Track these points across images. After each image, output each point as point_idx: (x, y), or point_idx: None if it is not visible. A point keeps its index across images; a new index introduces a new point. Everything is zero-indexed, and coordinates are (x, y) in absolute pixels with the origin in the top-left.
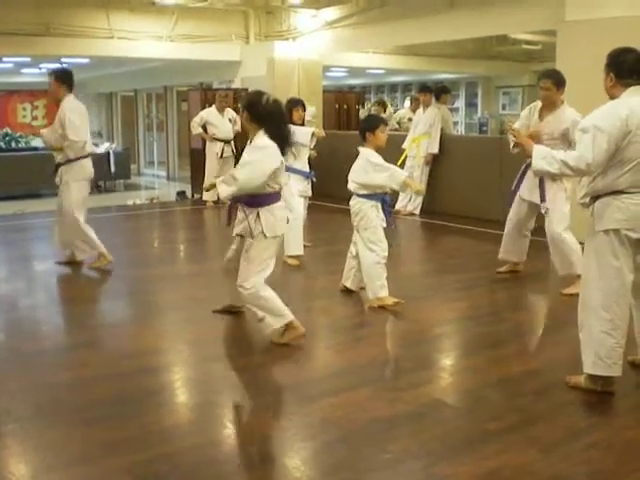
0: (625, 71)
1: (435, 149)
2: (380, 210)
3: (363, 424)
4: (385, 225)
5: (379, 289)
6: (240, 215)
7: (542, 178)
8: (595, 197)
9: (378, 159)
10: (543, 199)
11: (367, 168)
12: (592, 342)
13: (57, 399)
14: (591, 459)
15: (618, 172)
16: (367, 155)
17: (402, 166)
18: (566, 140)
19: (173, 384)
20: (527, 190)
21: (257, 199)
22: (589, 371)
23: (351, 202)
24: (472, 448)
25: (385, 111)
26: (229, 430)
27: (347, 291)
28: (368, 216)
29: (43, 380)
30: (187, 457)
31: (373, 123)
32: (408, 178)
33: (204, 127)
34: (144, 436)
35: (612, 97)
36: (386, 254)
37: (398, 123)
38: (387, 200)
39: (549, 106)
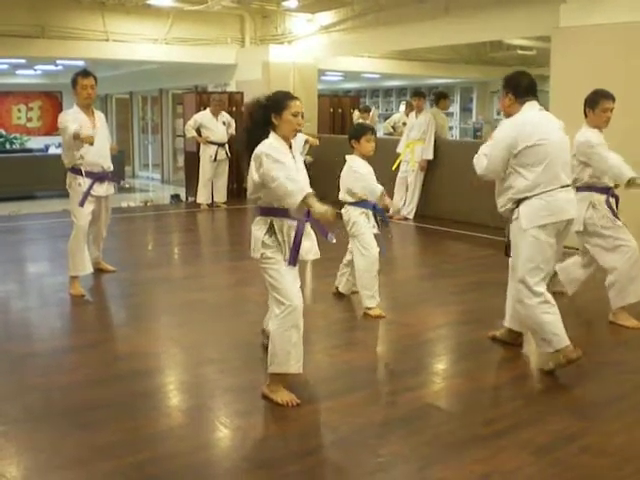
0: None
1: (429, 155)
2: (371, 217)
3: (356, 428)
4: (377, 232)
5: (367, 299)
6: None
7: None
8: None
9: (360, 168)
10: None
11: (350, 175)
12: None
13: (49, 402)
14: (583, 464)
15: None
16: (351, 162)
17: (396, 170)
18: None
19: (166, 387)
20: None
21: None
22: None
23: (342, 210)
24: (464, 452)
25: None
26: (222, 434)
27: (339, 294)
28: (359, 223)
29: (35, 383)
30: (179, 461)
31: (359, 132)
32: (384, 195)
33: (198, 130)
34: (136, 439)
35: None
36: (376, 260)
37: (393, 127)
38: (379, 208)
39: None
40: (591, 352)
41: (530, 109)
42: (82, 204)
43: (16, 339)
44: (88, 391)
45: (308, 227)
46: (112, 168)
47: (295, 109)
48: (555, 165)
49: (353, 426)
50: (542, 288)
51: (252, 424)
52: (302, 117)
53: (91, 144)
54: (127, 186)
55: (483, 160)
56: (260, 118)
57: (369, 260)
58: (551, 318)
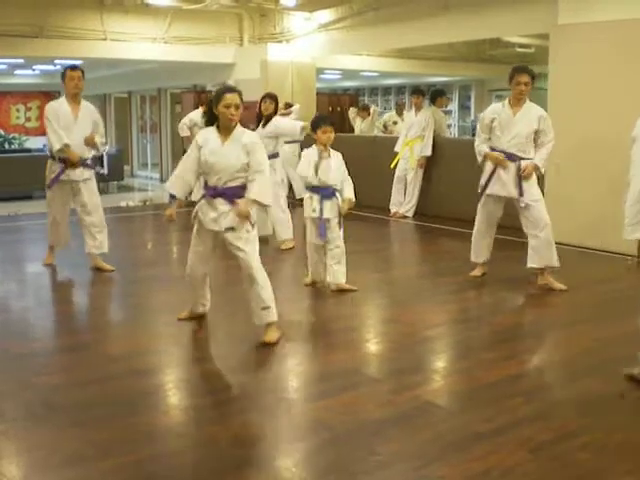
0: None
1: (428, 152)
2: (315, 202)
3: (354, 426)
4: (316, 215)
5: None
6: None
7: (519, 173)
8: None
9: (303, 165)
10: (522, 193)
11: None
12: None
13: (48, 400)
14: (582, 460)
15: None
16: (305, 153)
17: (394, 169)
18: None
19: (164, 386)
20: (501, 187)
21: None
22: None
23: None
24: (463, 450)
25: (369, 115)
26: (220, 432)
27: (337, 291)
28: (304, 208)
29: (34, 381)
30: (178, 459)
31: (315, 124)
32: (306, 199)
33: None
34: (135, 438)
35: None
36: (312, 245)
37: (384, 126)
38: (327, 193)
39: (521, 102)
40: (592, 349)
41: None
42: (50, 186)
43: (14, 338)
44: (87, 389)
45: (217, 201)
46: (90, 156)
47: (226, 101)
48: None
49: (351, 424)
50: None
51: (250, 422)
52: (236, 109)
53: (73, 163)
54: (102, 172)
55: None
56: (209, 111)
57: (308, 244)
58: None
